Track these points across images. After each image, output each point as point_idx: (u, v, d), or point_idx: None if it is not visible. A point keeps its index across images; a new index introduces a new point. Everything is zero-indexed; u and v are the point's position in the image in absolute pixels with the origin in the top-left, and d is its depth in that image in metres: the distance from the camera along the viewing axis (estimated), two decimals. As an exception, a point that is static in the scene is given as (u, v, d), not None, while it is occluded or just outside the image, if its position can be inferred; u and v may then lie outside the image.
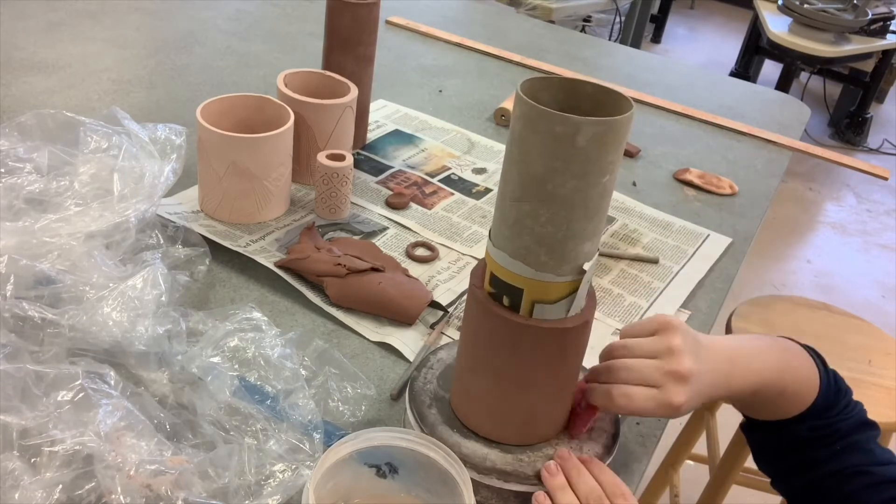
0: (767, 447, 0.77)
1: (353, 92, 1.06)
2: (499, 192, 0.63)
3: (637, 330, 0.68)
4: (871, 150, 3.80)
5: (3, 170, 0.88)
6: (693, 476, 1.75)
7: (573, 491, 0.63)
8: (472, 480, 0.63)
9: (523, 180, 0.59)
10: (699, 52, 4.66)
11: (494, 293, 0.64)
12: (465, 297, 0.93)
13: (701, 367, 0.64)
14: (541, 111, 0.56)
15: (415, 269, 0.96)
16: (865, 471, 0.69)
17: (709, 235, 1.14)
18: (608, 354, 0.69)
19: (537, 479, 0.65)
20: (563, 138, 0.56)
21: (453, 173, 1.19)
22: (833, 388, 0.72)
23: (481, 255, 1.01)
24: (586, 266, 0.62)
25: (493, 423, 0.68)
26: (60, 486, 0.60)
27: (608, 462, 0.70)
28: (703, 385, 0.65)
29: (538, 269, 0.61)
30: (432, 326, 0.89)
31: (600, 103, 0.62)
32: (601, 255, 1.04)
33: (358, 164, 1.16)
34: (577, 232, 0.60)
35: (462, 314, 0.90)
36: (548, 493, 0.64)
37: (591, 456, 0.67)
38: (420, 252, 1.00)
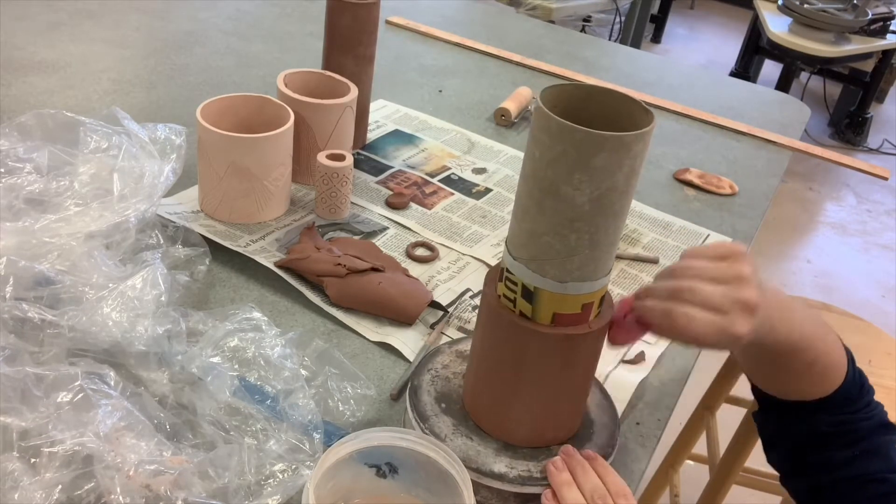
0: (783, 438, 0.73)
1: (353, 92, 1.06)
2: (588, 236, 0.59)
3: (703, 252, 0.63)
4: (871, 150, 3.80)
5: (3, 170, 0.88)
6: (693, 476, 1.75)
7: (578, 488, 0.63)
8: (472, 481, 0.63)
9: (622, 211, 0.59)
10: (699, 52, 4.66)
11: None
12: (464, 296, 0.93)
13: (764, 302, 0.61)
14: (644, 134, 0.56)
15: (415, 269, 0.96)
16: (883, 478, 0.67)
17: (709, 235, 1.14)
18: (669, 274, 0.63)
19: (540, 478, 0.65)
20: (645, 152, 0.57)
21: (453, 173, 1.19)
22: (857, 381, 0.70)
23: (481, 255, 1.01)
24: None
25: (534, 431, 0.68)
26: (60, 487, 0.60)
27: (608, 462, 0.70)
28: (761, 321, 0.61)
29: (605, 275, 0.62)
30: (432, 326, 0.88)
31: (582, 100, 0.62)
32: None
33: (358, 164, 1.16)
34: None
35: (461, 314, 0.91)
36: (553, 488, 0.64)
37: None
38: (420, 252, 1.00)
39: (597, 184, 0.57)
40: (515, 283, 0.63)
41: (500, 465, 0.66)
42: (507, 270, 0.64)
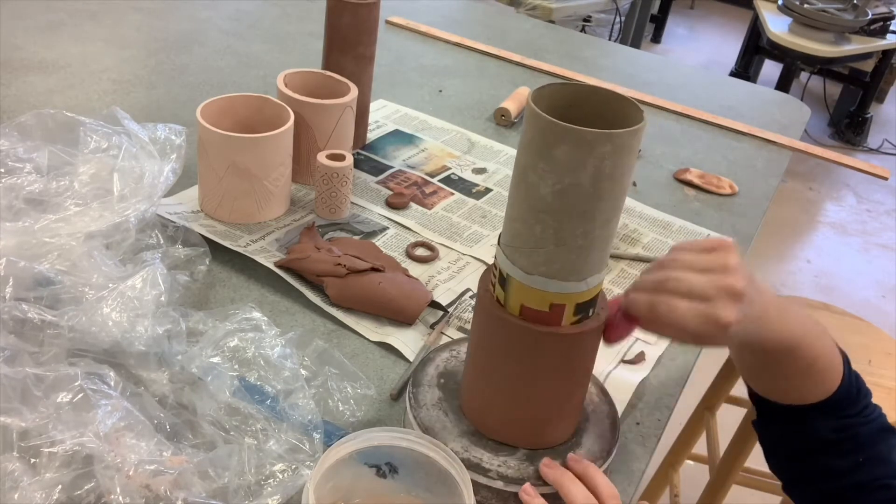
0: (783, 446, 0.72)
1: (353, 92, 1.06)
2: (552, 231, 0.60)
3: (691, 245, 0.62)
4: (871, 150, 3.80)
5: (3, 170, 0.88)
6: (693, 476, 1.75)
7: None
8: (472, 480, 0.63)
9: (615, 204, 0.59)
10: (699, 52, 4.66)
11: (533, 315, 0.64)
12: (464, 296, 0.93)
13: (753, 294, 0.60)
14: (636, 131, 0.57)
15: (415, 269, 0.96)
16: (888, 484, 0.66)
17: (709, 235, 1.14)
18: (657, 266, 0.63)
19: (539, 478, 0.65)
20: (618, 156, 0.57)
21: (453, 173, 1.19)
22: (854, 384, 0.69)
23: (481, 255, 1.01)
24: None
25: (529, 433, 0.68)
26: (60, 487, 0.60)
27: (609, 463, 0.70)
28: (751, 315, 0.60)
29: (594, 275, 0.62)
30: (432, 326, 0.88)
31: (566, 98, 0.62)
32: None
33: (358, 164, 1.16)
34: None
35: (461, 314, 0.91)
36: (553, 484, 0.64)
37: (586, 459, 0.67)
38: (420, 252, 1.00)
39: (559, 177, 0.57)
40: (496, 268, 0.65)
41: (500, 464, 0.66)
42: (495, 256, 0.65)
